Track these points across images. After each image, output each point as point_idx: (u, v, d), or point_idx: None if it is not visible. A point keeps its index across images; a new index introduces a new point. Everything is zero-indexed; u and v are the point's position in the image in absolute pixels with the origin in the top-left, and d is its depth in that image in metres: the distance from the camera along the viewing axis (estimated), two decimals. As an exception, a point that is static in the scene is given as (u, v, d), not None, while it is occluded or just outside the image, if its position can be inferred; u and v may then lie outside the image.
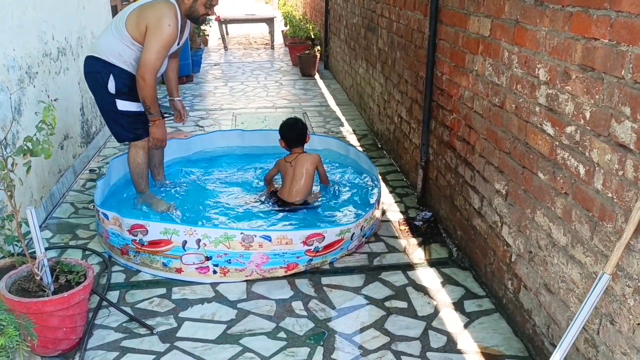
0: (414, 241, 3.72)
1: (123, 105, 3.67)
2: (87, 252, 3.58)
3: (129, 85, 3.63)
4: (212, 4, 3.66)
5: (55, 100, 2.84)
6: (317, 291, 3.18)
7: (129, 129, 3.75)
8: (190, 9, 3.60)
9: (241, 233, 3.21)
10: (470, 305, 3.04)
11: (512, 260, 2.81)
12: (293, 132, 4.08)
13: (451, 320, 2.91)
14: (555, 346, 2.10)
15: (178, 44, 3.74)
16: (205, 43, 11.39)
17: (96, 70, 3.65)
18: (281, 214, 3.89)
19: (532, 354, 2.64)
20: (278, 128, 4.15)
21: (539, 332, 2.58)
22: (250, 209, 3.98)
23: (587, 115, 2.12)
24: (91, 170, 4.95)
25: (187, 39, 3.92)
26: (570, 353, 2.30)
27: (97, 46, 3.68)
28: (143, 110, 3.68)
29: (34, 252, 2.61)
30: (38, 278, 2.59)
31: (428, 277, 3.31)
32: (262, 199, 4.12)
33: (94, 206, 3.75)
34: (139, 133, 3.77)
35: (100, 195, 3.85)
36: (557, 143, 2.35)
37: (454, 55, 3.48)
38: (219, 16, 11.29)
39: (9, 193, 2.48)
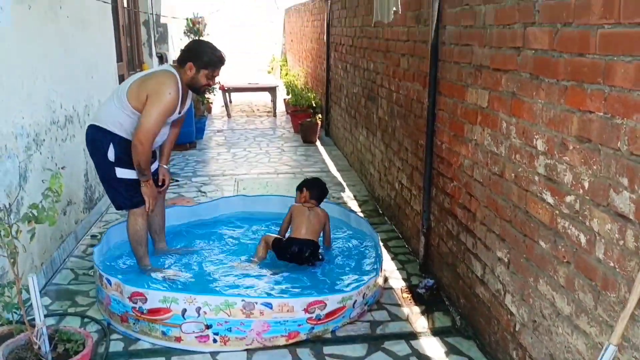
0: (416, 309, 3.68)
1: (122, 173, 3.72)
2: (85, 320, 3.53)
3: (128, 153, 3.68)
4: (214, 76, 3.77)
5: (62, 168, 2.89)
6: (318, 361, 3.12)
7: (127, 196, 3.78)
8: (192, 79, 3.71)
9: (242, 300, 3.19)
10: (475, 377, 2.97)
11: (517, 329, 2.78)
12: (321, 190, 4.45)
13: (456, 393, 2.85)
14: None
15: (179, 113, 3.83)
16: (209, 110, 11.64)
17: (97, 138, 3.73)
18: (282, 278, 3.88)
19: None
20: (304, 182, 4.49)
21: (546, 406, 2.52)
22: (251, 275, 3.95)
23: (586, 185, 2.16)
24: (93, 236, 4.95)
25: (189, 107, 4.01)
26: None
27: (98, 115, 3.78)
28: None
29: (33, 319, 2.59)
30: (36, 347, 2.55)
31: (432, 346, 3.26)
32: (261, 254, 4.16)
33: (95, 271, 3.73)
34: (137, 200, 3.79)
35: (99, 261, 3.84)
36: (557, 212, 2.37)
37: (453, 124, 3.57)
38: (222, 85, 11.59)
39: (12, 260, 2.48)
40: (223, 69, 3.88)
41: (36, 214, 2.55)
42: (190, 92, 3.87)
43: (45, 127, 4.19)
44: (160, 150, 4.13)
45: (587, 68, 2.13)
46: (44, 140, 4.14)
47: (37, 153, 4.00)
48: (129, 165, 3.70)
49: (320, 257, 4.14)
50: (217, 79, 3.94)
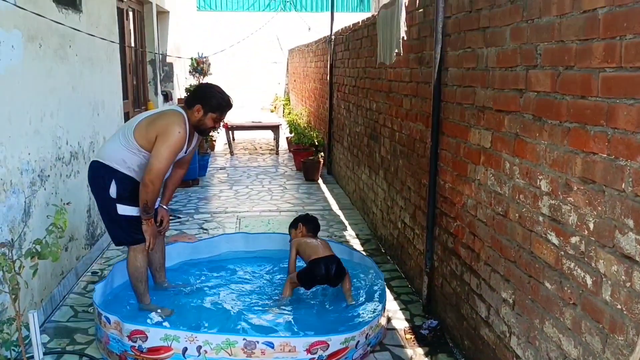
0: (420, 351, 3.62)
1: (124, 210, 3.72)
2: (84, 358, 3.48)
3: (129, 190, 3.70)
4: (221, 119, 3.84)
5: (67, 203, 2.89)
6: (320, 403, 3.06)
7: (128, 232, 3.78)
8: (199, 121, 3.77)
9: (243, 339, 3.15)
10: (480, 422, 2.91)
11: (523, 373, 2.73)
12: (316, 224, 4.65)
13: None
14: None
15: (185, 152, 3.87)
16: (212, 148, 11.71)
17: (99, 175, 3.75)
18: (285, 316, 3.84)
19: None
20: (298, 218, 4.69)
21: None
22: (255, 312, 3.91)
23: (591, 226, 2.16)
24: (93, 273, 4.92)
25: (195, 147, 4.05)
26: None
27: (102, 152, 3.81)
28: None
29: (32, 357, 2.56)
30: (34, 386, 2.51)
31: (435, 389, 3.20)
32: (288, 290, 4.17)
33: (94, 309, 3.69)
34: (138, 237, 3.79)
35: (100, 299, 3.81)
36: (563, 253, 2.36)
37: (456, 164, 3.58)
38: (226, 123, 11.69)
39: (13, 296, 2.46)
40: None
41: (39, 250, 2.54)
42: (196, 133, 3.92)
43: (50, 162, 4.22)
44: (163, 190, 4.12)
45: (589, 110, 2.16)
46: (48, 175, 4.16)
47: (42, 189, 4.02)
48: (130, 202, 3.71)
49: (345, 270, 4.17)
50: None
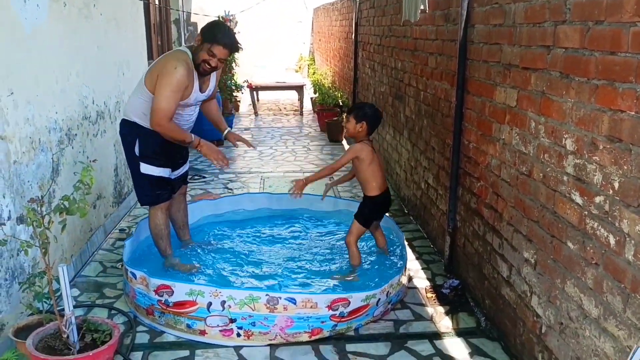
0: (441, 309, 3.65)
1: (146, 168, 3.75)
2: (113, 312, 3.60)
3: (152, 148, 3.71)
4: (214, 53, 3.57)
5: (94, 161, 2.95)
6: (341, 358, 3.12)
7: (149, 192, 3.82)
8: (194, 52, 3.61)
9: (266, 294, 3.21)
10: (499, 378, 2.94)
11: (543, 331, 2.74)
12: (379, 122, 4.00)
13: (479, 394, 2.82)
14: None
15: (202, 93, 3.73)
16: (237, 108, 11.73)
17: (126, 132, 3.80)
18: (307, 274, 3.89)
19: None
20: (363, 112, 3.89)
21: (572, 409, 2.48)
22: (276, 271, 3.98)
23: (616, 185, 2.12)
24: (121, 230, 5.04)
25: (213, 89, 3.90)
26: None
27: (126, 108, 3.83)
28: (163, 175, 3.79)
29: (63, 309, 2.65)
30: (65, 336, 2.61)
31: (456, 347, 3.23)
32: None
33: (122, 265, 3.79)
34: (158, 197, 3.83)
35: (129, 255, 3.90)
36: (586, 213, 2.34)
37: (481, 124, 3.53)
38: (250, 83, 11.67)
39: (43, 250, 2.54)
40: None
41: (67, 206, 2.61)
42: (213, 74, 3.80)
43: (77, 122, 4.28)
44: (214, 124, 4.14)
45: (619, 67, 2.09)
46: (75, 134, 4.23)
47: (69, 147, 4.09)
48: (152, 160, 3.74)
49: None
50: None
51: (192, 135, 3.71)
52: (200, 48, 3.59)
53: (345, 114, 3.99)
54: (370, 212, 3.99)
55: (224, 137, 4.16)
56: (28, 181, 3.39)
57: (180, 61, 3.54)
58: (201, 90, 3.75)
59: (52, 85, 3.83)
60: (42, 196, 3.09)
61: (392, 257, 4.18)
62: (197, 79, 3.66)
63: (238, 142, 4.21)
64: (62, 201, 2.63)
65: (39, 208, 2.55)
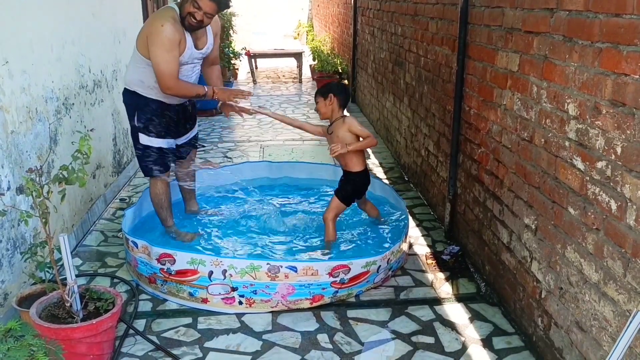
0: (441, 275, 3.68)
1: (144, 140, 3.71)
2: (115, 280, 3.62)
3: (151, 119, 3.66)
4: (199, 5, 3.41)
5: (91, 130, 2.93)
6: (342, 324, 3.15)
7: (148, 163, 3.79)
8: (181, 8, 3.48)
9: (267, 263, 3.22)
10: (499, 342, 2.97)
11: (542, 296, 2.76)
12: (348, 95, 3.93)
13: (479, 358, 2.86)
14: (587, 386, 2.05)
15: (198, 49, 3.63)
16: (235, 77, 11.62)
17: (126, 102, 3.76)
18: (307, 242, 3.90)
19: (563, 395, 2.57)
20: (330, 87, 3.86)
21: (570, 372, 2.51)
22: (278, 239, 3.99)
23: (619, 150, 2.10)
24: (121, 200, 5.04)
25: (213, 46, 3.78)
26: (603, 394, 2.24)
27: (126, 77, 3.77)
28: (163, 146, 3.76)
29: (65, 278, 2.66)
30: (68, 305, 2.63)
31: (456, 312, 3.26)
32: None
33: (123, 234, 3.80)
34: (156, 169, 3.80)
35: (130, 224, 3.91)
36: (588, 178, 2.33)
37: (482, 89, 3.50)
38: (248, 51, 11.53)
39: (43, 220, 2.54)
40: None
41: (66, 175, 2.59)
42: (208, 29, 3.69)
43: (74, 91, 4.23)
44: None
45: (623, 29, 2.05)
46: (73, 104, 4.19)
47: (67, 117, 4.05)
48: (150, 132, 3.70)
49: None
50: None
51: (205, 86, 3.65)
52: (186, 0, 3.44)
53: (314, 99, 3.93)
54: (352, 189, 3.88)
55: (219, 107, 4.04)
56: (26, 151, 3.37)
57: (165, 18, 3.43)
58: (196, 47, 3.63)
59: (48, 53, 3.78)
60: (40, 166, 3.07)
61: (392, 225, 4.19)
62: (188, 35, 3.54)
63: (232, 114, 4.07)
64: (60, 171, 2.62)
65: (37, 178, 2.53)
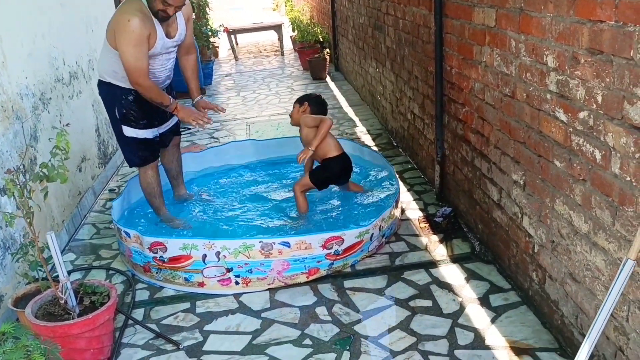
0: (435, 238, 3.68)
1: (129, 131, 3.65)
2: (110, 272, 3.62)
3: (133, 110, 3.60)
4: (168, 3, 3.33)
5: (67, 125, 2.87)
6: (340, 295, 3.16)
7: (136, 154, 3.74)
8: (150, 2, 3.37)
9: (260, 241, 3.22)
10: (496, 300, 2.99)
11: (535, 251, 2.77)
12: (323, 108, 4.08)
13: (477, 316, 2.88)
14: (585, 336, 2.06)
15: (171, 39, 3.54)
16: (216, 55, 11.47)
17: (104, 95, 3.68)
18: (298, 217, 3.89)
19: (562, 345, 2.60)
20: (306, 96, 4.11)
21: (567, 323, 2.53)
22: (269, 216, 3.98)
23: (599, 99, 2.08)
24: (111, 190, 5.00)
25: (186, 34, 3.69)
26: (600, 342, 2.26)
27: (99, 68, 3.68)
28: (147, 137, 3.70)
29: (57, 276, 2.65)
30: (62, 301, 2.62)
31: (451, 273, 3.28)
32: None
33: (115, 226, 3.78)
34: (146, 158, 3.76)
35: (119, 215, 3.88)
36: (571, 129, 2.31)
37: (462, 48, 3.45)
38: (227, 27, 11.35)
39: (28, 220, 2.51)
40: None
41: (47, 173, 2.56)
42: (178, 15, 3.57)
43: (50, 85, 4.16)
44: (186, 85, 3.93)
45: (596, -26, 2.01)
46: (50, 98, 4.12)
47: (45, 112, 3.99)
48: (134, 123, 3.63)
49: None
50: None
51: (171, 98, 3.59)
52: None
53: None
54: (327, 176, 3.92)
55: (193, 104, 3.92)
56: (7, 151, 3.32)
57: (132, 12, 3.31)
58: (168, 36, 3.54)
59: (18, 49, 3.70)
60: (20, 165, 3.03)
61: (383, 191, 4.18)
62: (158, 25, 3.44)
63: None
64: (40, 169, 2.58)
65: (17, 178, 2.50)
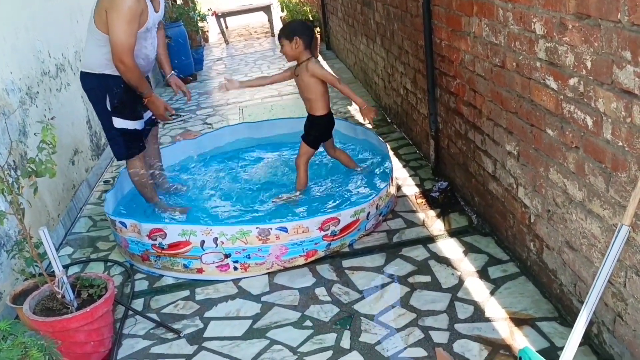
0: (432, 213, 3.67)
1: (118, 123, 3.59)
2: (109, 264, 3.61)
3: (125, 100, 3.55)
4: None
5: (52, 118, 2.84)
6: (339, 275, 3.16)
7: (124, 146, 3.68)
8: None
9: (257, 227, 3.20)
10: (494, 272, 2.99)
11: (532, 221, 2.75)
12: (313, 34, 3.81)
13: (477, 289, 2.87)
14: (583, 303, 2.05)
15: (157, 12, 3.51)
16: (206, 39, 11.36)
17: (92, 87, 3.59)
18: (295, 203, 3.88)
19: (562, 314, 2.60)
20: (292, 28, 3.74)
21: (566, 291, 2.53)
22: (263, 201, 3.96)
23: (589, 64, 2.05)
24: (106, 182, 4.98)
25: (163, 11, 3.67)
26: (599, 309, 2.26)
27: (85, 60, 3.59)
28: (137, 128, 3.66)
29: (54, 271, 2.64)
30: (59, 296, 2.61)
31: (449, 247, 3.27)
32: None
33: (109, 218, 3.76)
34: (133, 151, 3.72)
35: (113, 206, 3.86)
36: (562, 97, 2.27)
37: (450, 19, 3.40)
38: (215, 11, 11.22)
39: (19, 216, 2.49)
40: None
41: (35, 168, 2.53)
42: None
43: (36, 79, 4.11)
44: (158, 62, 3.91)
45: (581, -64, 1.96)
46: (37, 92, 4.07)
47: (33, 106, 3.95)
48: (125, 114, 3.59)
49: None
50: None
51: (149, 87, 3.56)
52: None
53: (277, 40, 3.87)
54: (318, 132, 3.90)
55: (166, 82, 3.95)
56: (-5, 148, 3.30)
57: None
58: (155, 10, 3.51)
59: (1, 44, 3.65)
60: (13, 162, 3.01)
61: (378, 169, 4.15)
62: (149, 1, 3.40)
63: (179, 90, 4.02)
64: (28, 164, 2.55)
65: (5, 175, 2.47)
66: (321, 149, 4.06)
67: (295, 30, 3.70)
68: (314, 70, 3.70)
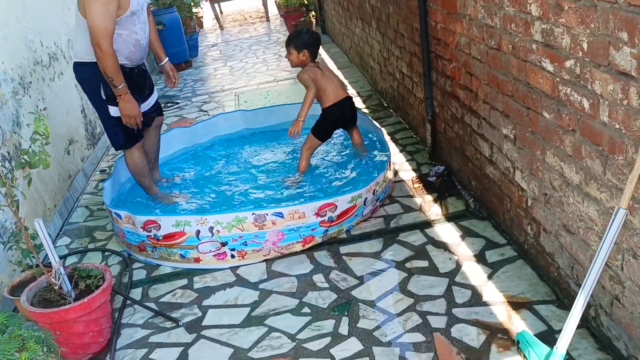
0: (429, 198, 3.66)
1: (115, 111, 3.52)
2: (106, 253, 3.60)
3: None
4: None
5: (44, 109, 2.81)
6: (336, 261, 3.16)
7: (122, 135, 3.63)
8: None
9: (252, 213, 3.19)
10: (492, 255, 2.98)
11: (529, 204, 2.75)
12: (318, 44, 3.97)
13: (474, 273, 2.87)
14: (580, 286, 2.05)
15: (136, 4, 3.38)
16: (201, 25, 11.27)
17: (85, 77, 3.51)
18: (290, 185, 3.87)
19: (559, 297, 2.60)
20: (300, 40, 3.87)
21: (563, 275, 2.53)
22: (259, 187, 3.95)
23: (585, 46, 2.02)
24: (102, 171, 4.96)
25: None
26: (596, 292, 2.26)
27: (77, 50, 3.51)
28: None
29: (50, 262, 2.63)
30: (57, 287, 2.61)
31: (447, 232, 3.26)
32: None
33: (106, 208, 3.75)
34: (131, 139, 3.67)
35: (110, 196, 3.85)
36: (558, 79, 2.25)
37: (445, 2, 3.36)
38: (209, -3, 11.13)
39: (13, 208, 2.48)
40: None
41: (28, 160, 2.51)
42: None
43: (29, 68, 4.07)
44: (151, 49, 3.84)
45: None
46: (30, 82, 4.04)
47: (26, 96, 3.92)
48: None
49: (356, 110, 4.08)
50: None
51: (125, 84, 3.39)
52: None
53: (285, 45, 3.98)
54: (327, 124, 3.95)
55: (160, 68, 3.94)
56: (-11, 139, 3.27)
57: None
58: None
59: (-9, 34, 3.61)
60: (7, 153, 2.98)
61: (375, 155, 4.14)
62: None
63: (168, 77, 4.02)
64: (22, 156, 2.53)
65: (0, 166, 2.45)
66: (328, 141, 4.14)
67: (306, 44, 3.86)
68: (299, 75, 3.91)
